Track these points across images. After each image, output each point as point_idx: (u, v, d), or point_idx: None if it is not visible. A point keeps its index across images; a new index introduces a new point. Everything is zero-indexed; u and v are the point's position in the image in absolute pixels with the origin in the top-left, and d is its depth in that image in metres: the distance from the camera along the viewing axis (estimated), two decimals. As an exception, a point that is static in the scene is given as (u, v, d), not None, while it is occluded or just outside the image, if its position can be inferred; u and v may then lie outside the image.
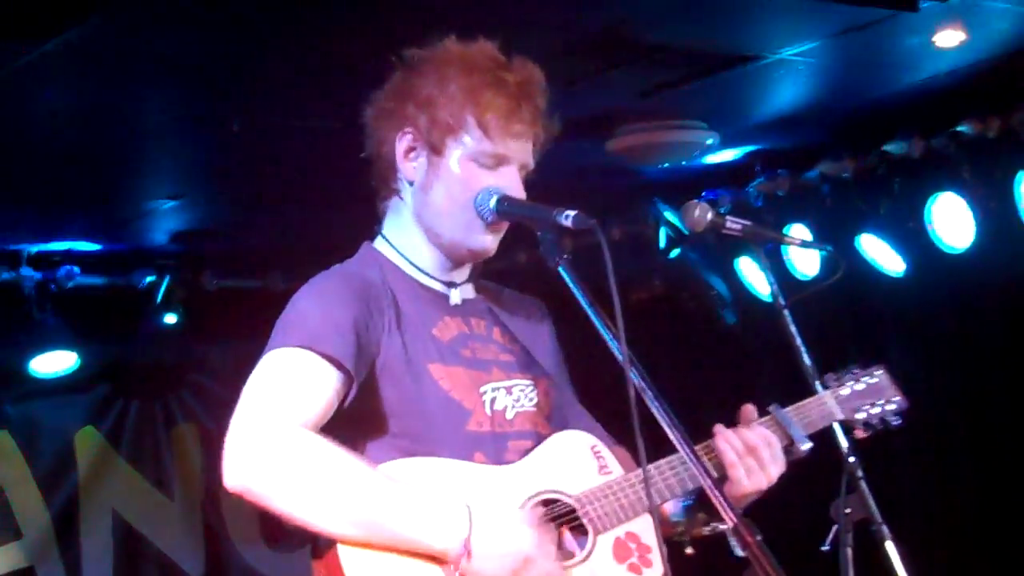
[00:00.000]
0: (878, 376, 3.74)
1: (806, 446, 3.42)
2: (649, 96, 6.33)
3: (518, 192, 3.24)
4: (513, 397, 3.33)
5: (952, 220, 7.08)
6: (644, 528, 3.24)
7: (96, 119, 5.96)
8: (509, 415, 3.30)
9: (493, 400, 3.28)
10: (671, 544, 3.20)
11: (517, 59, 3.32)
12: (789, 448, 3.41)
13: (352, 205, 3.57)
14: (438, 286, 3.36)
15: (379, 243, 3.40)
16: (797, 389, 3.55)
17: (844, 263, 3.96)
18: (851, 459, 3.47)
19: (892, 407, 3.70)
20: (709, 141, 6.89)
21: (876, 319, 7.73)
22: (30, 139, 6.11)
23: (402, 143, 3.28)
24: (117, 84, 5.57)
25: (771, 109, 6.88)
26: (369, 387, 3.14)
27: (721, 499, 2.78)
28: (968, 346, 7.41)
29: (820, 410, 3.56)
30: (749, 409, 3.42)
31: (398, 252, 3.35)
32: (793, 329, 3.57)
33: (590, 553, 3.17)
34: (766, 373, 7.49)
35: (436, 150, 3.24)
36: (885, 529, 3.44)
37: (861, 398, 3.66)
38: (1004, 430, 7.23)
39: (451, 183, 3.25)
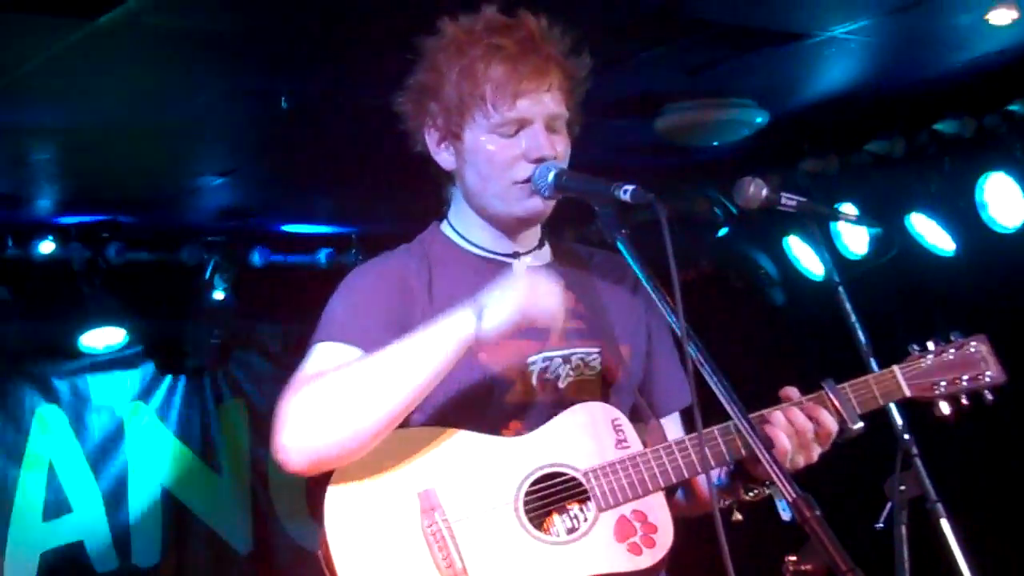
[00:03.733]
0: (974, 347, 3.40)
1: (857, 427, 3.21)
2: (697, 74, 6.30)
3: (545, 147, 3.22)
4: (571, 366, 3.31)
5: (1003, 200, 7.02)
6: (655, 506, 3.17)
7: (147, 95, 5.99)
8: (562, 384, 3.29)
9: (544, 369, 3.28)
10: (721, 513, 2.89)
11: (517, 17, 3.26)
12: (840, 428, 3.22)
13: (403, 183, 3.59)
14: (500, 259, 3.38)
15: (444, 225, 3.45)
16: (848, 368, 3.45)
17: (899, 240, 3.89)
18: (906, 436, 3.44)
19: (985, 381, 3.37)
20: (758, 120, 6.85)
21: (926, 299, 7.67)
22: (83, 114, 6.15)
23: (430, 138, 3.33)
24: (168, 59, 5.59)
25: (821, 87, 6.83)
26: None
27: (779, 473, 2.74)
28: (1019, 326, 7.35)
29: (882, 386, 3.31)
30: (790, 391, 3.26)
31: (457, 233, 3.40)
32: (848, 306, 3.54)
33: (589, 530, 3.11)
34: (814, 353, 7.44)
35: (456, 136, 3.27)
36: (940, 507, 3.42)
37: (945, 371, 3.35)
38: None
39: (478, 162, 3.27)
